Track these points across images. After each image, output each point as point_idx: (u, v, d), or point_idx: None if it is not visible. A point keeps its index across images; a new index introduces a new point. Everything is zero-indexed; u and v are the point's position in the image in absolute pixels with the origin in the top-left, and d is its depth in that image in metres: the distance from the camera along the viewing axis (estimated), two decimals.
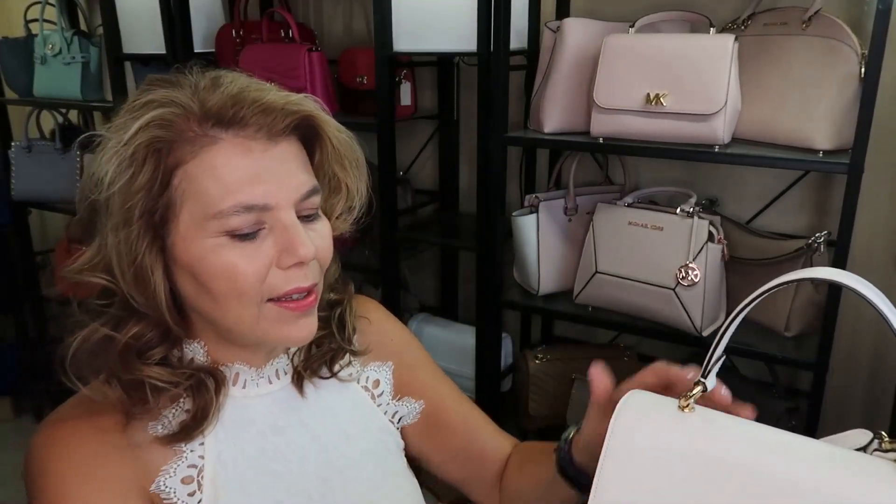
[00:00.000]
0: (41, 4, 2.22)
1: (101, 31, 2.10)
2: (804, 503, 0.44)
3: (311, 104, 0.67)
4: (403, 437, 0.84)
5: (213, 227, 0.61)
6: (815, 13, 1.32)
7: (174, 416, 0.67)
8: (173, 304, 0.66)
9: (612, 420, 0.52)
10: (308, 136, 0.68)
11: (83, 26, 2.38)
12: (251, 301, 0.63)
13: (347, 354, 0.79)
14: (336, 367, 0.77)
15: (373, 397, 0.81)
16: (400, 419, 0.84)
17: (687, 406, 0.51)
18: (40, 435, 0.66)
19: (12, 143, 2.40)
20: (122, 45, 2.07)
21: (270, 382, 0.74)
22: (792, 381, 1.68)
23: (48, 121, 2.40)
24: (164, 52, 1.99)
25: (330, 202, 0.71)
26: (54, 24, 2.22)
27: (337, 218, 0.73)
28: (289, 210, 0.63)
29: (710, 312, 1.43)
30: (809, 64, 1.32)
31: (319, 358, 0.76)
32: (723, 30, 1.46)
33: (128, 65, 2.14)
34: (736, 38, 1.28)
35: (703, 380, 0.53)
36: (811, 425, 1.36)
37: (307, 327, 0.67)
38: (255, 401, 0.72)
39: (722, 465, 0.47)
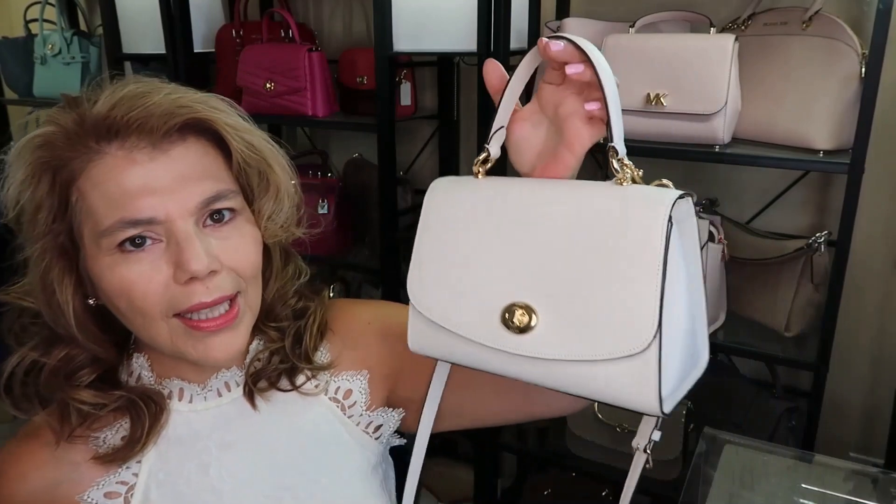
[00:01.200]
0: (41, 4, 2.22)
1: (100, 31, 2.11)
2: (552, 218, 0.54)
3: (207, 105, 0.63)
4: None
5: (105, 245, 0.59)
6: (816, 13, 1.32)
7: (112, 434, 0.67)
8: (95, 321, 0.65)
9: (425, 199, 0.61)
10: (219, 137, 0.64)
11: (83, 26, 2.38)
12: (155, 317, 0.61)
13: (315, 374, 0.74)
14: (300, 379, 0.72)
15: (343, 409, 0.74)
16: (379, 428, 0.77)
17: (479, 173, 0.60)
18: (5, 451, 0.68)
19: (12, 143, 2.40)
20: (122, 45, 2.08)
21: (220, 395, 0.70)
22: (792, 381, 1.68)
23: None
24: (163, 52, 1.99)
25: (256, 204, 0.67)
26: (54, 24, 2.22)
27: (268, 219, 0.68)
28: (184, 220, 0.60)
29: (710, 312, 1.42)
30: (810, 64, 1.32)
31: (273, 370, 0.71)
32: (723, 30, 1.46)
33: (128, 65, 2.14)
34: (736, 39, 1.28)
35: (487, 146, 0.60)
36: (811, 425, 1.36)
37: (223, 346, 0.63)
38: (203, 414, 0.69)
39: (497, 205, 0.57)
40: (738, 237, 1.52)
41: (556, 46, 0.52)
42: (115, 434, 0.67)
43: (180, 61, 1.97)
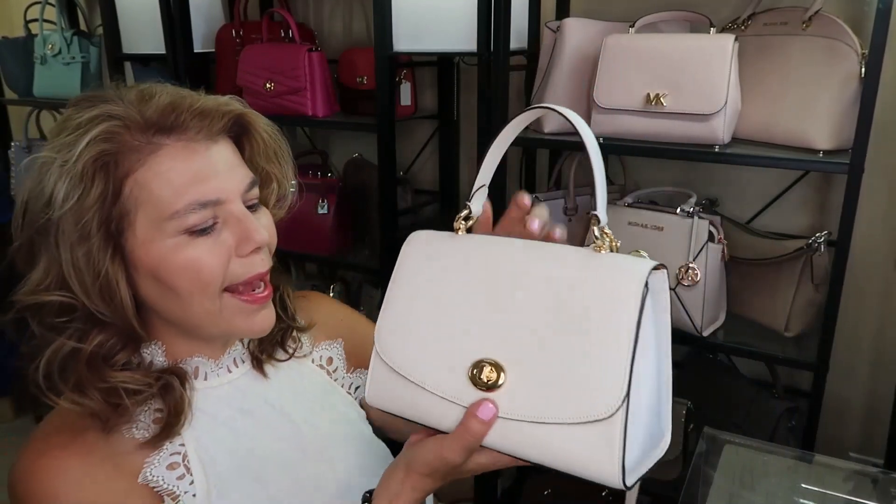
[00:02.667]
0: (41, 4, 2.22)
1: (100, 31, 2.11)
2: (528, 279, 0.55)
3: (239, 105, 0.72)
4: (363, 407, 0.87)
5: (171, 228, 0.64)
6: (816, 13, 1.32)
7: (146, 416, 0.69)
8: (135, 309, 0.68)
9: (402, 250, 0.62)
10: (238, 134, 0.73)
11: (83, 26, 2.38)
12: (214, 293, 0.67)
13: (298, 337, 0.83)
14: (292, 346, 0.82)
15: (329, 374, 0.85)
16: (357, 389, 0.87)
17: (459, 229, 0.61)
18: (25, 463, 0.66)
19: (12, 143, 2.40)
20: (122, 45, 2.08)
21: (230, 371, 0.77)
22: (792, 381, 1.68)
23: (48, 121, 2.40)
24: (163, 52, 1.98)
25: (264, 193, 0.75)
26: (54, 24, 2.22)
27: (272, 207, 0.77)
28: (237, 202, 0.68)
29: (710, 312, 1.43)
30: (809, 64, 1.32)
31: (270, 340, 0.79)
32: (723, 30, 1.46)
33: (128, 65, 2.14)
34: (736, 38, 1.28)
35: (468, 203, 0.62)
36: (811, 425, 1.36)
37: (267, 318, 0.72)
38: (219, 389, 0.75)
39: (474, 263, 0.58)
40: (738, 237, 1.52)
41: (533, 224, 0.63)
42: (147, 417, 0.69)
43: (180, 61, 1.97)
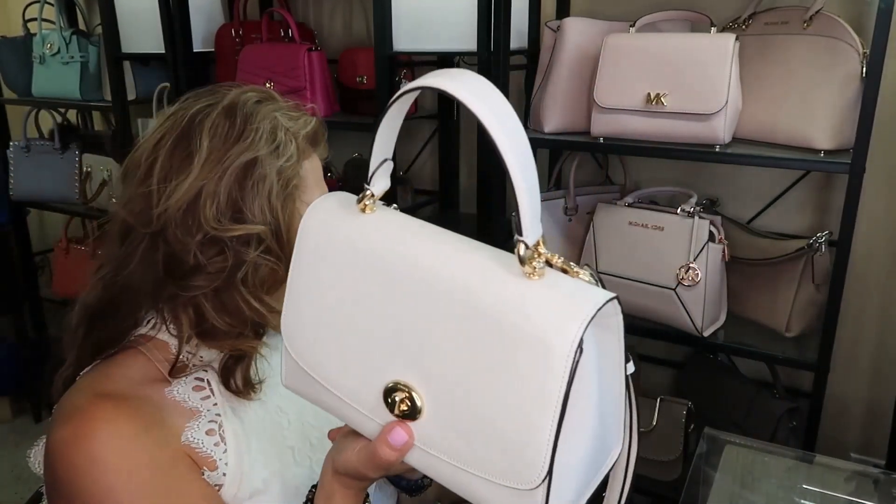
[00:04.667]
0: (40, 4, 2.22)
1: (99, 30, 2.10)
2: (438, 286, 0.48)
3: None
4: None
5: None
6: (817, 12, 1.32)
7: (187, 382, 0.72)
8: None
9: (302, 220, 0.57)
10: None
11: (82, 26, 2.38)
12: None
13: None
14: None
15: None
16: None
17: (366, 208, 0.54)
18: (71, 428, 0.64)
19: (11, 143, 2.39)
20: (121, 44, 2.07)
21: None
22: (793, 381, 1.68)
23: (47, 120, 2.40)
24: (163, 51, 1.98)
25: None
26: (53, 23, 2.22)
27: None
28: None
29: (710, 312, 1.42)
30: (810, 63, 1.32)
31: None
32: (724, 29, 1.45)
33: (127, 64, 2.14)
34: (737, 38, 1.28)
35: (367, 186, 0.55)
36: (812, 426, 1.36)
37: None
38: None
39: (382, 254, 0.51)
40: (738, 237, 1.52)
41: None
42: (188, 383, 0.72)
43: (180, 61, 1.97)
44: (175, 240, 0.69)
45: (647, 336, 1.55)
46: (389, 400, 0.50)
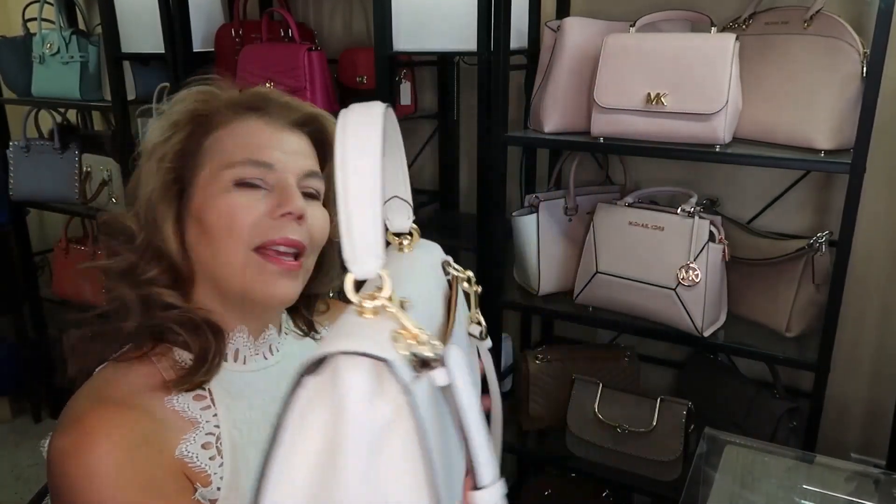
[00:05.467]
0: (39, 3, 2.22)
1: (99, 30, 2.10)
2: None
3: (328, 118, 0.81)
4: None
5: (224, 178, 0.72)
6: (817, 12, 1.32)
7: (187, 394, 0.72)
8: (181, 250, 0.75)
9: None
10: (319, 146, 0.80)
11: (82, 25, 2.38)
12: (242, 244, 0.71)
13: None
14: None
15: None
16: None
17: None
18: (71, 438, 0.65)
19: (10, 143, 2.39)
20: (121, 44, 2.07)
21: (265, 358, 0.80)
22: (793, 381, 1.68)
23: (47, 120, 2.40)
24: (162, 51, 1.98)
25: (328, 195, 0.80)
26: (53, 23, 2.21)
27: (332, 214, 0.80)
28: (291, 178, 0.74)
29: (711, 313, 1.42)
30: (811, 63, 1.32)
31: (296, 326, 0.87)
32: (724, 29, 1.45)
33: (126, 64, 2.13)
34: (737, 38, 1.28)
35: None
36: (812, 426, 1.35)
37: (287, 288, 0.73)
38: (255, 375, 0.78)
39: None
40: (738, 237, 1.52)
41: None
42: (186, 394, 0.72)
43: (179, 61, 1.97)
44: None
45: (647, 336, 1.55)
46: None
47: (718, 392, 1.61)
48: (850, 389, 1.66)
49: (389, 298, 0.35)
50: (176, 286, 0.74)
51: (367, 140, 0.37)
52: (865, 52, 1.25)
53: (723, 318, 1.49)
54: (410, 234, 0.50)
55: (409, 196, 0.49)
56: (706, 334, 1.43)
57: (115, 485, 0.63)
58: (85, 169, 2.29)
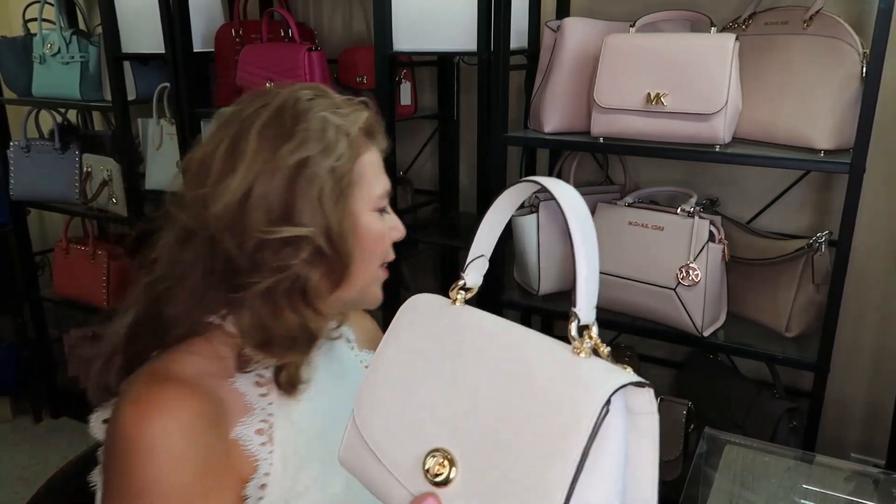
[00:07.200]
0: (40, 4, 2.22)
1: (99, 30, 2.10)
2: (496, 370, 0.52)
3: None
4: None
5: (372, 204, 0.78)
6: (817, 12, 1.32)
7: (249, 375, 0.75)
8: None
9: (399, 311, 0.61)
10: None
11: (82, 26, 2.38)
12: (379, 260, 0.80)
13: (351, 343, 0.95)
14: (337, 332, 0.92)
15: (353, 349, 0.95)
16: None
17: (456, 300, 0.58)
18: (138, 407, 0.67)
19: (11, 143, 2.39)
20: (121, 44, 2.07)
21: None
22: (793, 381, 1.68)
23: (47, 120, 2.40)
24: (163, 51, 1.98)
25: None
26: (53, 23, 2.21)
27: None
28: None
29: (710, 312, 1.42)
30: (810, 63, 1.32)
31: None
32: (724, 29, 1.45)
33: (127, 64, 2.14)
34: (737, 38, 1.28)
35: (462, 275, 0.59)
36: (812, 425, 1.36)
37: (381, 294, 0.84)
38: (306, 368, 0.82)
39: (456, 341, 0.56)
40: (738, 237, 1.52)
41: None
42: (248, 379, 0.75)
43: (180, 61, 1.97)
44: (227, 242, 0.70)
45: (647, 336, 1.55)
46: (426, 466, 0.53)
47: (718, 392, 1.61)
48: (850, 389, 1.66)
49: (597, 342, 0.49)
50: (334, 287, 0.77)
51: (587, 214, 0.52)
52: (865, 52, 1.25)
53: (723, 318, 1.49)
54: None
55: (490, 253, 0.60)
56: (706, 334, 1.43)
57: (174, 461, 0.65)
58: (85, 169, 2.29)
